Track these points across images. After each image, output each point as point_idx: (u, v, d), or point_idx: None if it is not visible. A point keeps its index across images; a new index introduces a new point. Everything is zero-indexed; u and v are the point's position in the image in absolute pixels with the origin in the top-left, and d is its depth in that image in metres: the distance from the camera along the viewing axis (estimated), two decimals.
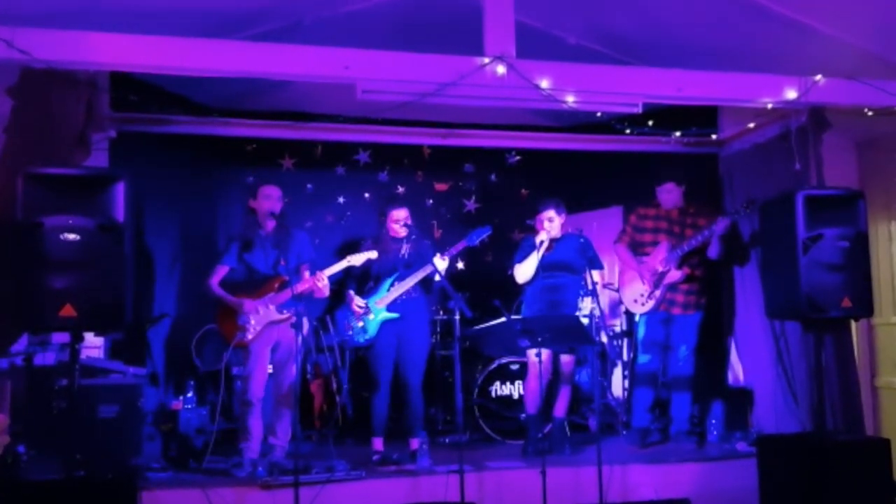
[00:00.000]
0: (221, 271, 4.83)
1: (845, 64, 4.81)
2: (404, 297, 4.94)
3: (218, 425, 4.90)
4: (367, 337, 4.92)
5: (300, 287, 4.67)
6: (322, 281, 4.74)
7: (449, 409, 5.83)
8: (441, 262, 4.83)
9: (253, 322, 4.70)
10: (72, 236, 3.58)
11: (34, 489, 3.49)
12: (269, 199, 4.83)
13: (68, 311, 3.55)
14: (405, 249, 5.03)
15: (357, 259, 4.87)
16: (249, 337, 4.70)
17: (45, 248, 3.56)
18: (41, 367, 4.37)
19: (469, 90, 4.48)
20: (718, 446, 5.17)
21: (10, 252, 3.62)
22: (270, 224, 4.86)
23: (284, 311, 4.75)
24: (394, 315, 4.92)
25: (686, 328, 5.27)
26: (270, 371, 4.93)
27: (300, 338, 4.21)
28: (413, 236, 5.02)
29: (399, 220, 5.00)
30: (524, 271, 5.12)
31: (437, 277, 4.80)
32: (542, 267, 5.06)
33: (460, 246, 5.00)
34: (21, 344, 4.30)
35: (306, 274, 4.82)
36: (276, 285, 4.77)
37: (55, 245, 3.57)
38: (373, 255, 4.92)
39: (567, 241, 5.18)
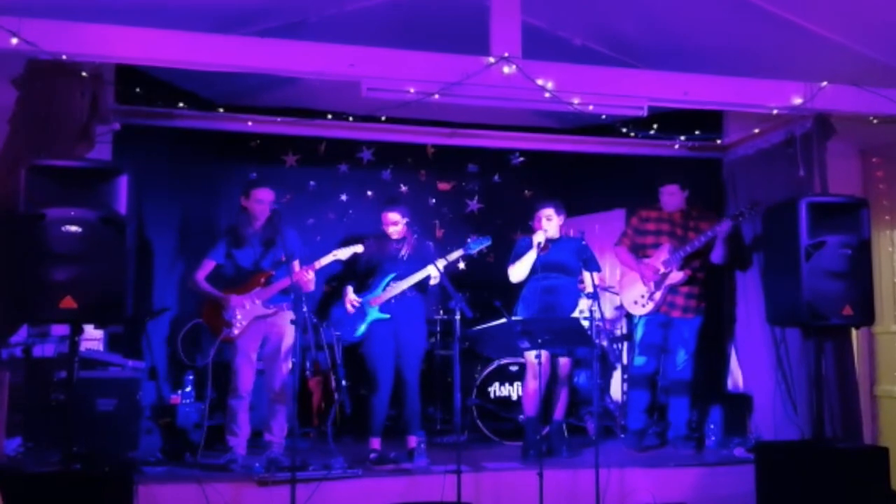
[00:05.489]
0: (208, 266, 4.86)
1: (851, 71, 4.80)
2: (400, 296, 4.92)
3: (211, 421, 4.90)
4: (356, 334, 4.91)
5: (288, 280, 4.68)
6: (309, 274, 4.76)
7: (447, 409, 5.83)
8: (438, 263, 4.81)
9: (239, 317, 4.73)
10: (74, 228, 3.58)
11: (30, 481, 3.47)
12: (261, 203, 4.87)
13: (68, 303, 3.55)
14: (405, 250, 5.01)
15: (343, 253, 4.88)
16: (236, 332, 4.72)
17: (46, 240, 3.56)
18: (40, 359, 4.38)
19: (474, 90, 4.48)
20: (716, 452, 5.16)
21: (12, 243, 3.62)
22: (260, 222, 4.88)
23: (271, 307, 4.76)
24: (384, 316, 4.90)
25: (685, 332, 5.26)
26: (260, 367, 4.93)
27: (296, 334, 4.19)
28: (415, 236, 5.01)
29: (389, 223, 4.97)
30: (519, 271, 5.08)
31: (432, 281, 4.82)
32: (539, 268, 5.01)
33: (457, 254, 4.98)
34: (21, 335, 4.30)
35: (296, 266, 4.83)
36: (262, 280, 4.79)
37: (57, 237, 3.57)
38: (359, 248, 4.92)
39: (564, 243, 5.17)
